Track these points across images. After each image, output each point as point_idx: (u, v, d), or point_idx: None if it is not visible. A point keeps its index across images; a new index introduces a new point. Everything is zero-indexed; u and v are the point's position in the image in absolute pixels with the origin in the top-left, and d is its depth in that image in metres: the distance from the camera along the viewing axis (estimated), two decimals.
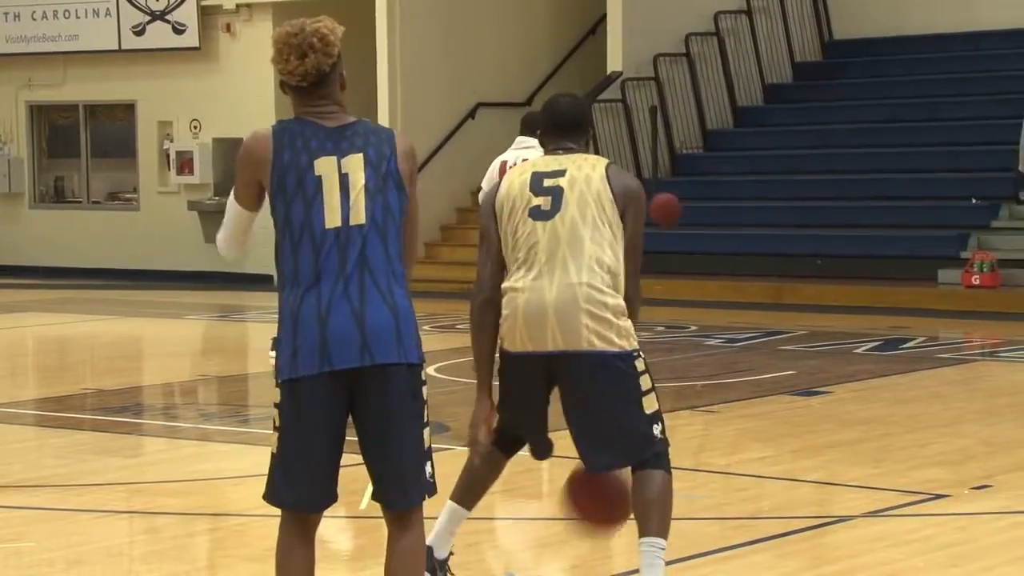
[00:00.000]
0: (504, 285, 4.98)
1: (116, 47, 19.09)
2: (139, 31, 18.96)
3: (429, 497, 4.22)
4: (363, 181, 4.08)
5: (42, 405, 10.32)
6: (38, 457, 8.39)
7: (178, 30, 18.70)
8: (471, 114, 17.85)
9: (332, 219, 4.08)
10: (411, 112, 17.45)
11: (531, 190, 4.91)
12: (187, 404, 10.40)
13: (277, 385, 4.12)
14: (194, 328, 14.94)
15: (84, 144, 19.98)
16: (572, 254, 4.79)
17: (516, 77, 18.24)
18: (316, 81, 4.11)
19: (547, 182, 4.88)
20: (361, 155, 4.10)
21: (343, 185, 4.08)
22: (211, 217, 18.38)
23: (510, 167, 10.35)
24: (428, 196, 17.83)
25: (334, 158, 4.09)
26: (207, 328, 14.95)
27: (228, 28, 18.39)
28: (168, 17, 18.75)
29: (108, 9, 19.02)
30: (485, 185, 10.70)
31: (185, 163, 18.70)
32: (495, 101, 17.85)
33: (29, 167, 20.13)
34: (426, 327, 12.49)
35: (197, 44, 18.51)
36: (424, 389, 4.18)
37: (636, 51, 17.34)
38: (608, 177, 4.85)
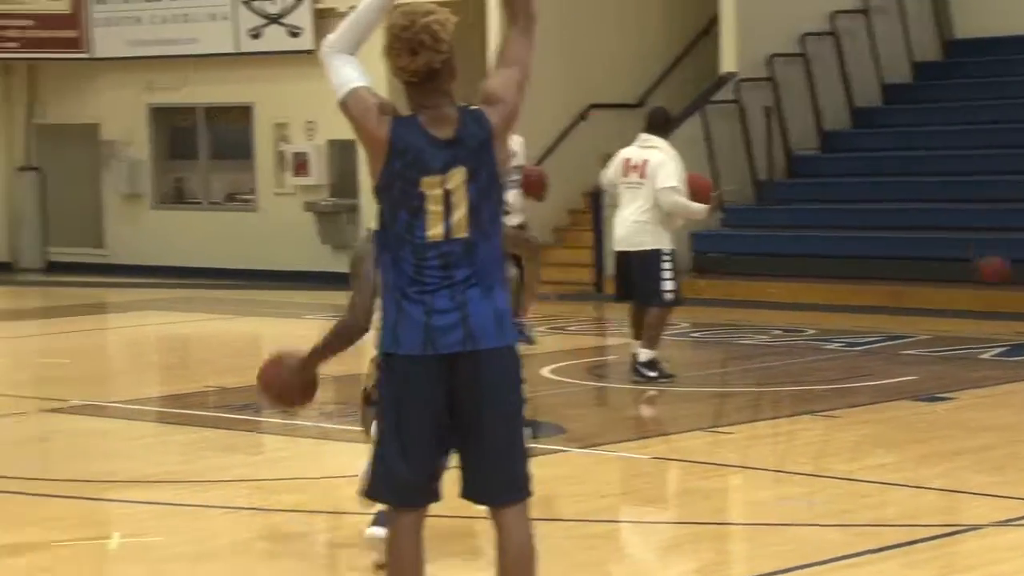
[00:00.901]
0: None
1: (234, 50, 19.33)
2: (256, 34, 19.18)
3: (525, 497, 4.20)
4: (466, 196, 4.10)
5: (165, 402, 10.49)
6: (162, 453, 8.51)
7: (294, 33, 18.89)
8: (582, 116, 17.83)
9: (435, 231, 4.10)
10: (522, 113, 17.40)
11: None
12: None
13: (377, 364, 4.15)
14: (311, 327, 15.06)
15: (203, 146, 20.26)
16: None
17: (628, 78, 18.18)
18: (427, 76, 4.12)
19: None
20: (464, 169, 4.11)
21: (446, 200, 4.10)
22: (327, 218, 18.54)
23: (632, 165, 10.37)
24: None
25: (439, 177, 4.11)
26: (324, 327, 15.08)
27: None
28: (284, 20, 18.94)
29: (226, 13, 19.26)
30: (604, 178, 10.71)
31: (301, 164, 18.88)
32: (607, 102, 17.80)
33: (150, 169, 20.45)
34: (540, 328, 12.48)
35: (312, 47, 18.67)
36: (523, 387, 4.18)
37: (750, 51, 17.20)
38: None
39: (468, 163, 4.11)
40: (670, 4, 18.82)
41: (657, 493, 7.58)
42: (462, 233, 4.10)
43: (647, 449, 8.23)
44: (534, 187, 11.23)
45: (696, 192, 10.24)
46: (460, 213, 4.10)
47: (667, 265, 10.17)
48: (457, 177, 4.10)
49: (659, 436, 8.79)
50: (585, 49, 17.91)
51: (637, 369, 10.23)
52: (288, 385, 4.72)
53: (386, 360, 4.15)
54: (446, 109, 4.15)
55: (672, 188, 10.11)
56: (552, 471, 7.41)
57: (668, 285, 10.16)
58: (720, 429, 8.81)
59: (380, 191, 4.15)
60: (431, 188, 4.10)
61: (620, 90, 17.94)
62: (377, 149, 4.14)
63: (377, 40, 4.23)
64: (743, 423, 9.10)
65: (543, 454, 7.78)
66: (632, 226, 10.23)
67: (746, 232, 16.66)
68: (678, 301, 10.26)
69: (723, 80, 17.19)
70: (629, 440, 8.67)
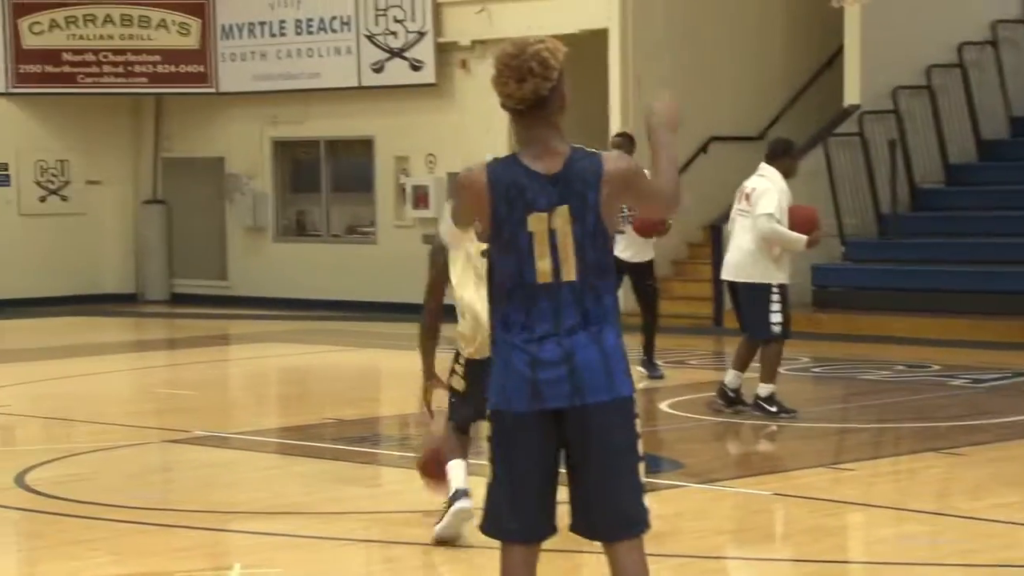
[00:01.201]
0: None
1: (356, 84, 19.54)
2: (378, 68, 19.37)
3: (643, 532, 4.16)
4: (571, 236, 4.05)
5: (284, 434, 10.57)
6: (282, 485, 8.58)
7: (415, 67, 19.05)
8: (703, 148, 17.74)
9: (543, 274, 4.07)
10: (643, 147, 17.40)
11: None
12: (423, 435, 10.51)
13: (488, 417, 4.14)
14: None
15: (324, 179, 20.49)
16: None
17: (749, 110, 18.07)
18: (534, 104, 4.08)
19: None
20: (567, 208, 4.06)
21: (552, 241, 4.06)
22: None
23: (745, 194, 10.33)
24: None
25: (545, 215, 4.07)
26: (442, 360, 15.10)
27: (463, 64, 18.67)
28: (406, 54, 19.11)
29: (349, 47, 19.49)
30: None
31: (421, 197, 19.00)
32: (728, 135, 17.71)
33: (273, 201, 20.72)
34: (657, 362, 12.41)
35: (433, 80, 18.83)
36: (637, 422, 4.15)
37: (874, 83, 17.01)
38: None
39: (572, 202, 4.06)
40: (793, 36, 18.69)
41: (777, 530, 7.48)
42: (570, 276, 4.06)
43: (767, 485, 8.13)
44: (649, 228, 11.25)
45: (796, 223, 10.15)
46: (567, 254, 4.06)
47: (775, 298, 10.08)
48: (562, 216, 4.06)
49: (779, 472, 8.68)
50: (707, 81, 17.84)
51: (758, 404, 10.15)
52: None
53: (494, 414, 4.15)
54: (553, 143, 4.10)
55: (768, 215, 10.05)
56: (670, 507, 7.35)
57: (775, 318, 10.07)
58: (841, 465, 8.68)
59: (491, 239, 4.12)
60: (538, 226, 4.06)
61: (741, 122, 17.84)
62: (480, 198, 4.10)
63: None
64: (864, 460, 8.96)
65: (661, 489, 7.72)
66: (741, 256, 10.18)
67: (869, 266, 16.45)
68: (785, 335, 10.14)
69: (847, 112, 17.02)
70: (748, 476, 8.57)
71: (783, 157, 10.36)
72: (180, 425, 10.39)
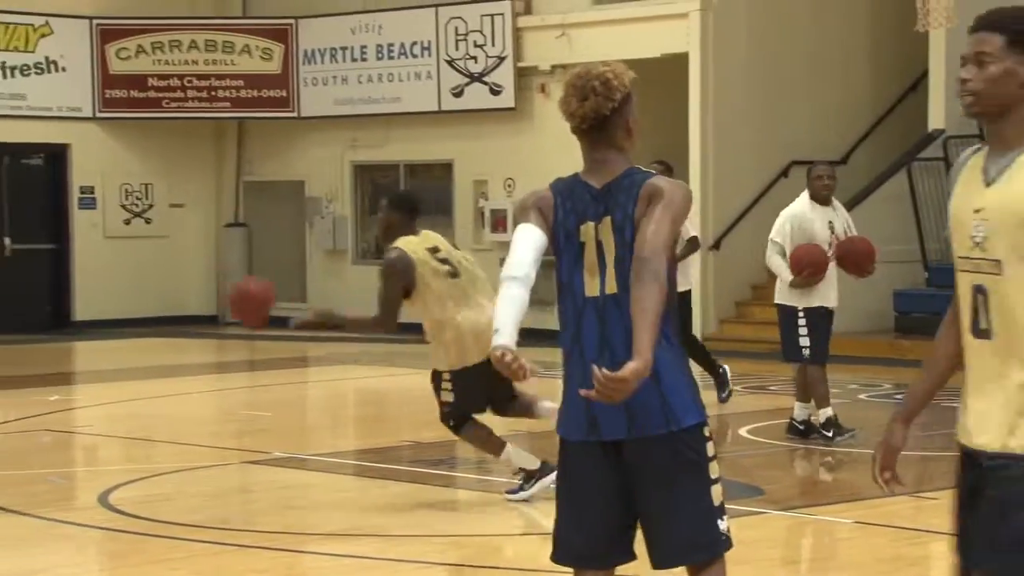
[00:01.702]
0: None
1: (436, 108, 19.64)
2: (458, 93, 19.46)
3: (723, 552, 4.12)
4: (614, 249, 4.06)
5: (362, 456, 10.60)
6: (360, 507, 8.59)
7: (495, 91, 19.11)
8: (784, 172, 17.63)
9: (591, 287, 4.07)
10: (723, 170, 17.36)
11: None
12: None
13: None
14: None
15: None
16: None
17: (832, 134, 17.94)
18: (596, 124, 4.08)
19: None
20: (610, 219, 4.07)
21: (600, 252, 4.07)
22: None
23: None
24: (739, 254, 17.71)
25: (593, 224, 4.09)
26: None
27: (543, 89, 18.71)
28: (486, 79, 19.18)
29: (430, 72, 19.59)
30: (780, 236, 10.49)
31: (499, 221, 19.03)
32: (809, 159, 17.58)
33: (352, 224, 20.85)
34: (737, 388, 12.33)
35: (513, 104, 18.88)
36: (708, 446, 4.09)
37: (959, 108, 16.78)
38: None
39: (615, 213, 4.07)
40: (877, 60, 18.55)
41: (859, 559, 7.39)
42: (612, 288, 4.05)
43: (849, 513, 8.04)
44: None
45: (791, 259, 10.09)
46: (611, 267, 4.06)
47: (802, 322, 10.03)
48: (607, 227, 4.07)
49: (860, 500, 8.57)
50: (788, 105, 17.75)
51: (818, 431, 10.17)
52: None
53: (560, 440, 4.17)
54: (612, 165, 4.11)
55: (771, 242, 10.15)
56: (750, 533, 7.28)
57: (803, 341, 10.03)
58: (924, 494, 8.57)
59: (554, 247, 4.16)
60: (588, 237, 4.09)
61: (824, 146, 17.71)
62: (544, 208, 4.15)
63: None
64: (948, 488, 8.82)
65: (741, 516, 7.65)
66: (777, 279, 10.23)
67: (952, 292, 16.23)
68: (814, 358, 10.06)
69: (931, 137, 16.85)
70: (829, 503, 8.48)
71: (807, 183, 10.46)
72: (259, 446, 10.46)
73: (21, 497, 8.61)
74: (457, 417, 8.46)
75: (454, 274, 8.32)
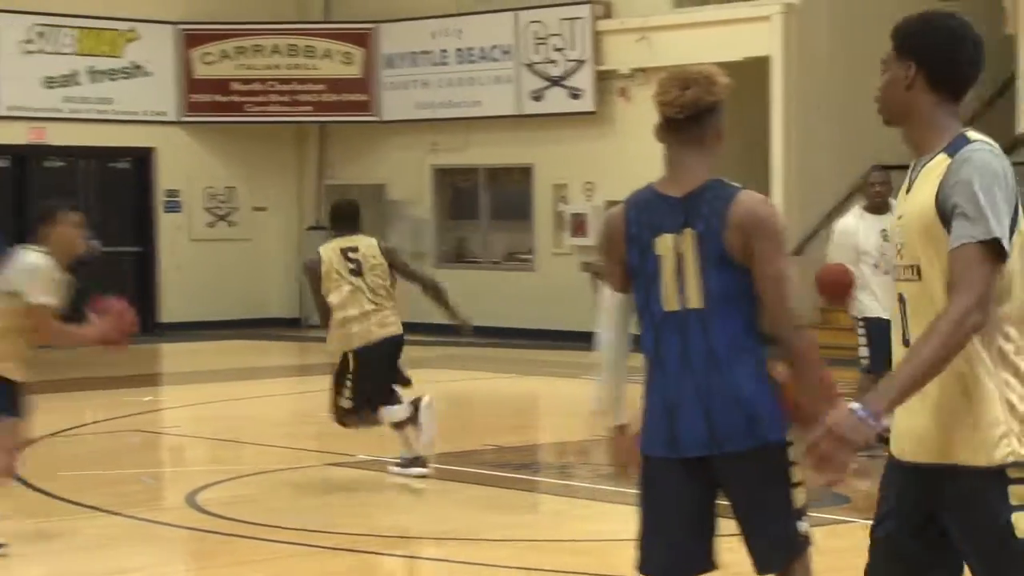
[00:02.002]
0: None
1: (515, 112, 19.68)
2: (537, 97, 19.48)
3: (802, 551, 4.13)
4: (696, 262, 3.99)
5: (444, 459, 10.64)
6: (442, 510, 8.64)
7: (575, 95, 19.12)
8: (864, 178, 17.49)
9: (670, 302, 4.03)
10: (806, 175, 17.26)
11: None
12: (582, 464, 10.52)
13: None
14: (588, 388, 15.12)
15: (483, 206, 20.64)
16: None
17: None
18: (692, 115, 4.05)
19: None
20: (693, 232, 4.00)
21: (679, 266, 4.01)
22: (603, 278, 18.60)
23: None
24: (823, 259, 17.54)
25: (671, 236, 4.03)
26: (602, 389, 15.12)
27: (623, 92, 18.69)
28: (565, 83, 19.20)
29: (509, 76, 19.64)
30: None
31: (579, 225, 19.04)
32: (893, 163, 17.42)
33: (433, 228, 20.93)
34: None
35: (593, 108, 18.88)
36: (790, 452, 4.05)
37: None
38: None
39: (698, 226, 4.01)
40: None
41: None
42: (695, 303, 3.99)
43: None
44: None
45: (816, 282, 10.05)
46: (692, 280, 3.99)
47: (861, 332, 10.01)
48: (688, 239, 4.01)
49: None
50: (872, 108, 17.47)
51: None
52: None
53: (642, 456, 4.15)
54: (695, 171, 4.06)
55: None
56: (835, 542, 7.23)
57: (862, 352, 10.03)
58: None
59: (628, 264, 4.12)
60: (666, 250, 4.03)
61: (907, 151, 17.54)
62: (618, 222, 4.14)
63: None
64: None
65: (826, 524, 7.61)
66: None
67: None
68: (872, 367, 9.99)
69: (1019, 141, 16.66)
70: None
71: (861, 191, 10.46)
72: (341, 449, 10.53)
73: (112, 497, 8.74)
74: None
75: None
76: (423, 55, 20.37)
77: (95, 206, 20.74)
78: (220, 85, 20.94)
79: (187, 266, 21.05)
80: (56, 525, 8.12)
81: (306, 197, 22.15)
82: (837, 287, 9.96)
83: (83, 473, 9.61)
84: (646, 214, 4.08)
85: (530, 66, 19.45)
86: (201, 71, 20.88)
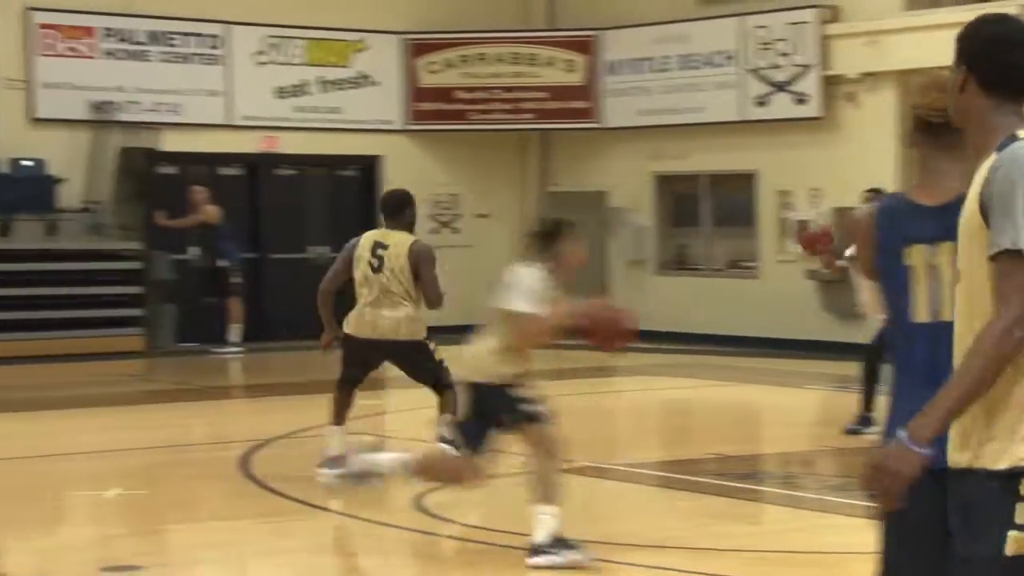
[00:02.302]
0: None
1: (738, 118, 19.50)
2: (761, 102, 19.28)
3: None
4: (951, 274, 3.78)
5: (667, 467, 10.60)
6: (664, 519, 8.61)
7: (800, 100, 18.86)
8: None
9: (920, 313, 3.91)
10: None
11: None
12: (807, 474, 10.36)
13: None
14: (812, 398, 14.90)
15: (705, 213, 20.50)
16: None
17: None
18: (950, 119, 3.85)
19: None
20: (950, 244, 3.77)
21: (932, 277, 3.89)
22: (829, 286, 18.32)
23: None
24: None
25: (924, 247, 3.90)
26: (826, 398, 14.88)
27: (851, 97, 18.36)
28: (790, 88, 18.95)
29: (733, 81, 19.48)
30: None
31: (805, 232, 18.76)
32: None
33: (654, 235, 20.88)
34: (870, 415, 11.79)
35: (820, 114, 18.59)
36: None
37: None
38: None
39: (954, 239, 3.74)
40: None
41: None
42: (947, 316, 3.80)
43: None
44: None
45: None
46: (946, 293, 3.86)
47: None
48: (947, 252, 3.86)
49: None
50: None
51: None
52: None
53: None
54: (948, 179, 3.93)
55: None
56: None
57: None
58: None
59: (876, 269, 4.04)
60: (918, 261, 3.92)
61: None
62: (867, 228, 4.05)
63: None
64: None
65: None
66: None
67: None
68: None
69: None
70: None
71: None
72: (563, 454, 10.55)
73: (341, 499, 8.91)
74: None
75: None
76: (645, 61, 20.34)
77: (323, 213, 21.26)
78: (444, 93, 21.25)
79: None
80: (290, 526, 8.31)
81: (528, 204, 22.30)
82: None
83: (313, 475, 9.82)
84: (898, 223, 3.98)
85: (754, 71, 19.26)
86: (426, 80, 21.22)
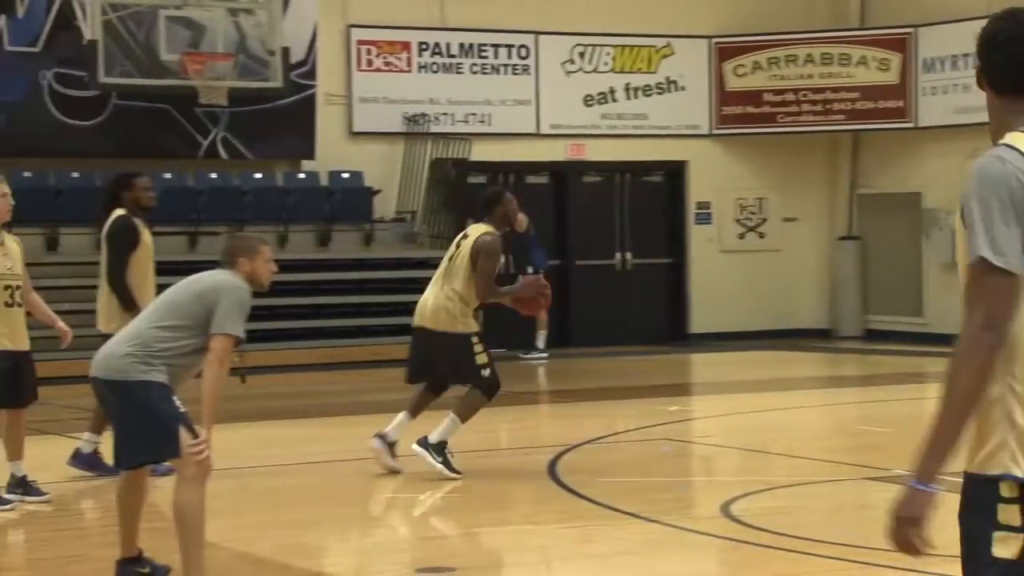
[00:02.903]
0: None
1: None
2: None
3: None
4: None
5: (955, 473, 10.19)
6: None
7: None
8: None
9: None
10: None
11: None
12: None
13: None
14: None
15: None
16: None
17: None
18: None
19: None
20: None
21: None
22: None
23: None
24: None
25: None
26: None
27: None
28: None
29: None
30: None
31: None
32: None
33: None
34: None
35: None
36: None
37: None
38: None
39: None
40: None
41: None
42: None
43: None
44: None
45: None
46: None
47: None
48: None
49: None
50: None
51: None
52: None
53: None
54: None
55: None
56: None
57: None
58: None
59: None
60: None
61: None
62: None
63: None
64: None
65: None
66: None
67: None
68: None
69: None
70: None
71: None
72: (877, 463, 10.28)
73: (646, 504, 8.89)
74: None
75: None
76: (963, 58, 19.68)
77: (629, 219, 21.30)
78: (752, 97, 21.03)
79: (717, 277, 21.25)
80: (597, 530, 8.33)
81: (838, 207, 21.87)
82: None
83: (619, 480, 9.83)
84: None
85: None
86: (733, 83, 21.04)
